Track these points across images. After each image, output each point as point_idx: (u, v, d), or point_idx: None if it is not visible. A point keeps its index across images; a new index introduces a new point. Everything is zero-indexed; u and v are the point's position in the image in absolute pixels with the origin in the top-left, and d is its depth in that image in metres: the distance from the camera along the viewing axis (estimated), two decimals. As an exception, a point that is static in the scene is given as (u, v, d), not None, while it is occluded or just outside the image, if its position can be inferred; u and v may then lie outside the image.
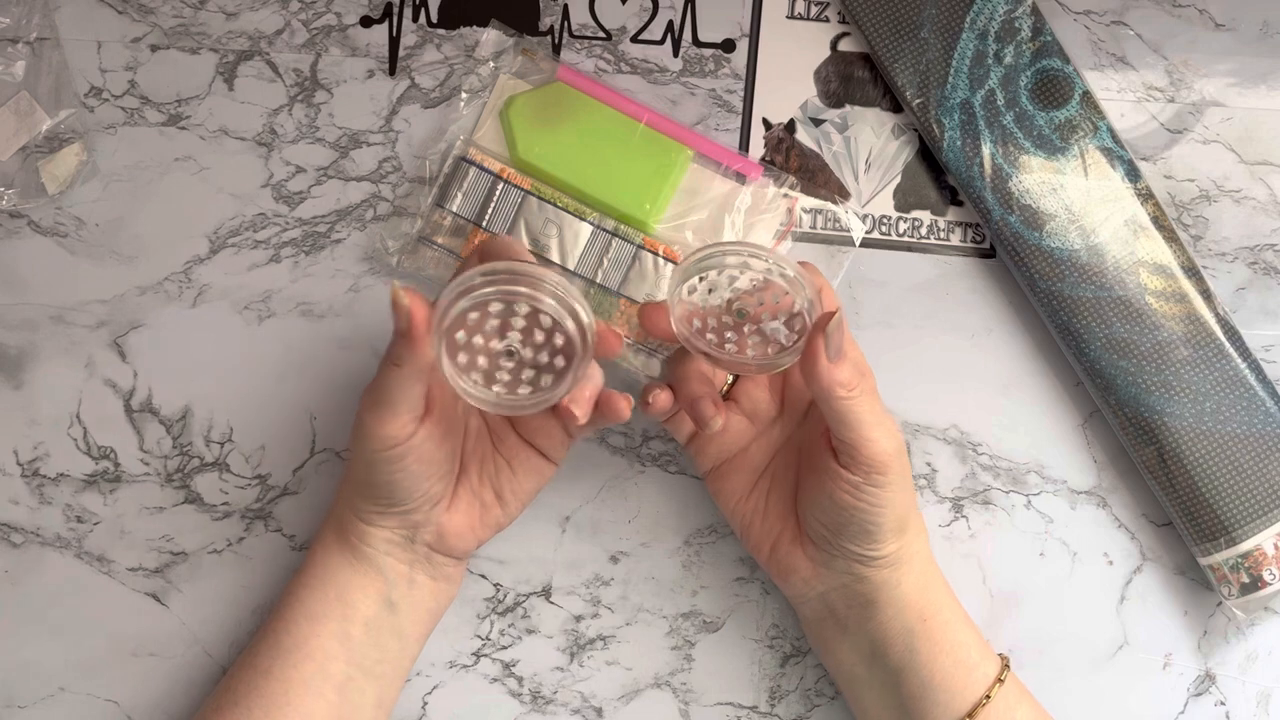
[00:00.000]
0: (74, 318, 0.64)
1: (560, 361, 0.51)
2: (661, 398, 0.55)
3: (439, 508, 0.55)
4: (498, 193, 0.63)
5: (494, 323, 0.51)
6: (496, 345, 0.51)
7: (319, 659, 0.55)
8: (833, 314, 0.50)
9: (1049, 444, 0.63)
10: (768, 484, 0.58)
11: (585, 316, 0.50)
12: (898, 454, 0.53)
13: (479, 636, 0.62)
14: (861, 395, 0.52)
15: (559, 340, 0.51)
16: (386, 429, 0.51)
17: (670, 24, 0.66)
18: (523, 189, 0.63)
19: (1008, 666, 0.56)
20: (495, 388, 0.51)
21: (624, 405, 0.53)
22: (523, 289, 0.50)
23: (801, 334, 0.53)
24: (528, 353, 0.51)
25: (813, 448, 0.56)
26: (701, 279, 0.54)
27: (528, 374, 0.52)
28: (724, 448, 0.58)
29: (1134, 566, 0.62)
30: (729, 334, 0.54)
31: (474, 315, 0.50)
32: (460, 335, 0.50)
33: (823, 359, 0.51)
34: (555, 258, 0.63)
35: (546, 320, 0.51)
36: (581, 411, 0.52)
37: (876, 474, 0.52)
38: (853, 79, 0.66)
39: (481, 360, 0.51)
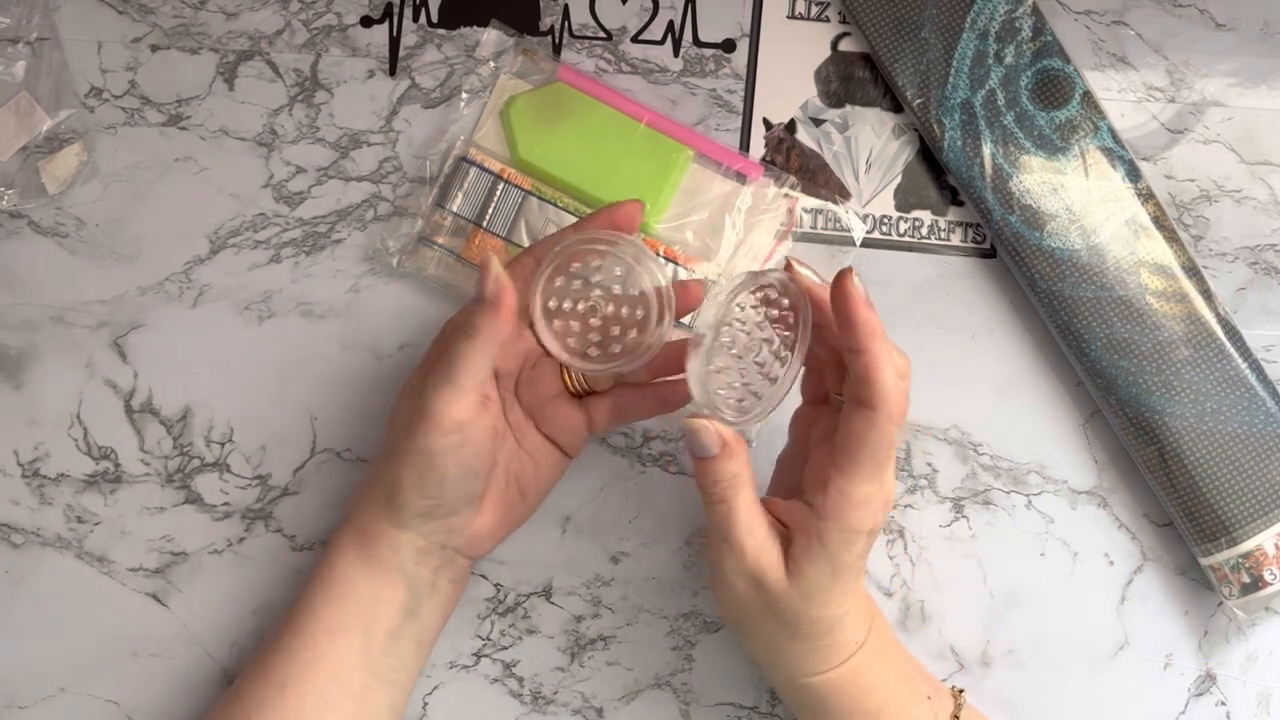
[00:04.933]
0: (74, 318, 0.64)
1: (643, 313, 0.53)
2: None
3: (473, 509, 0.54)
4: (498, 193, 0.63)
5: (576, 284, 0.53)
6: (583, 306, 0.53)
7: (338, 672, 0.54)
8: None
9: (1050, 444, 0.63)
10: None
11: (662, 274, 0.53)
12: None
13: (480, 637, 0.62)
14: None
15: (647, 288, 0.53)
16: (453, 409, 0.50)
17: (670, 24, 0.66)
18: (523, 189, 0.63)
19: (960, 706, 0.55)
20: (590, 351, 0.53)
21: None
22: (603, 245, 0.52)
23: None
24: (612, 310, 0.53)
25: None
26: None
27: (614, 331, 0.53)
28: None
29: (1135, 566, 0.62)
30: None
31: (559, 280, 0.52)
32: (551, 303, 0.52)
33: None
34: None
35: (629, 276, 0.53)
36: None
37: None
38: (853, 79, 0.66)
39: (572, 340, 0.53)
